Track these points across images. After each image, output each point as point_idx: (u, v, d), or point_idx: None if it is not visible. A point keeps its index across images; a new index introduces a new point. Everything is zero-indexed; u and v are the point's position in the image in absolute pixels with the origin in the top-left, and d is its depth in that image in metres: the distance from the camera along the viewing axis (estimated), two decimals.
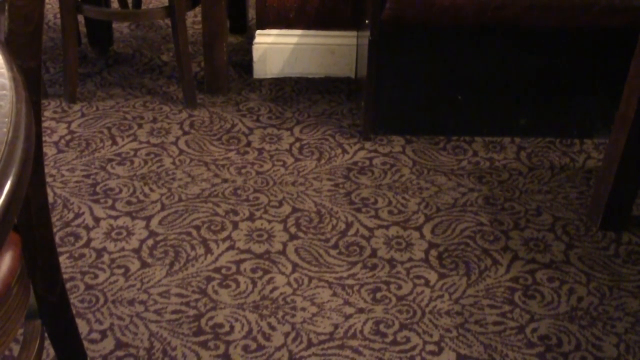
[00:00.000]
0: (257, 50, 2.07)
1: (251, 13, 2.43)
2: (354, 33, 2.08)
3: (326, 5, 2.04)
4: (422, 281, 1.38)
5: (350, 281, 1.38)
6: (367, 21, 1.75)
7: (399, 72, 1.78)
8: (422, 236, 1.50)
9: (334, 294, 1.35)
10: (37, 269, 0.88)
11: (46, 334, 0.95)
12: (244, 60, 2.19)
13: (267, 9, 2.04)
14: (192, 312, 1.31)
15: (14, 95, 0.52)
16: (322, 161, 1.74)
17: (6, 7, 0.73)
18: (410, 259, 1.44)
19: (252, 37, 2.18)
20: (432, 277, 1.39)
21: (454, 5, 1.59)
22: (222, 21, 1.94)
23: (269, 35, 2.07)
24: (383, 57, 1.74)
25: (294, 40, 2.08)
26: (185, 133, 1.84)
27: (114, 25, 2.32)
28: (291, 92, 2.04)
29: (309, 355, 1.22)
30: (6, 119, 0.49)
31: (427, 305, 1.33)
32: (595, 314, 1.32)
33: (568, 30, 1.71)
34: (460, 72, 1.78)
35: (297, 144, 1.80)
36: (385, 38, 1.71)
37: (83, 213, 1.55)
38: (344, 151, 1.78)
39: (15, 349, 1.20)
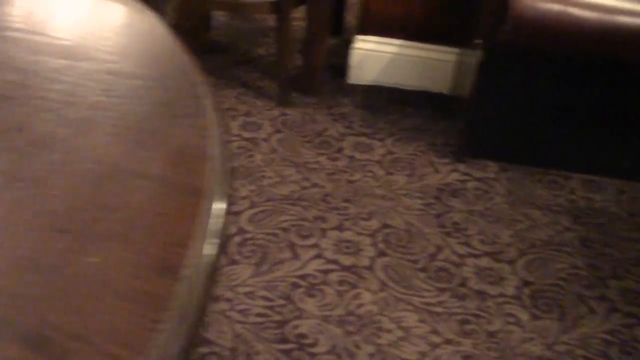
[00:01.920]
0: (355, 55, 2.04)
1: (347, 16, 2.39)
2: (455, 49, 2.03)
3: (430, 18, 2.00)
4: (513, 319, 1.33)
5: (438, 309, 1.34)
6: (477, 41, 1.70)
7: (501, 95, 1.73)
8: (515, 272, 1.45)
9: (422, 320, 1.31)
10: None
11: None
12: (337, 63, 2.16)
13: (370, 14, 2.00)
14: (277, 317, 1.29)
15: (210, 104, 0.50)
16: (414, 178, 1.70)
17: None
18: (501, 294, 1.39)
19: (348, 40, 2.15)
20: (524, 316, 1.34)
21: (581, 35, 1.52)
22: (326, 23, 1.91)
23: (368, 41, 2.04)
24: (487, 79, 1.69)
25: (393, 49, 2.04)
26: (277, 131, 1.82)
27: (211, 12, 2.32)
28: (384, 101, 2.00)
29: None
30: (208, 132, 0.47)
31: (518, 346, 1.28)
32: None
33: None
34: (566, 103, 1.71)
35: (389, 157, 1.76)
36: (494, 60, 1.65)
37: None
38: (436, 170, 1.73)
39: None
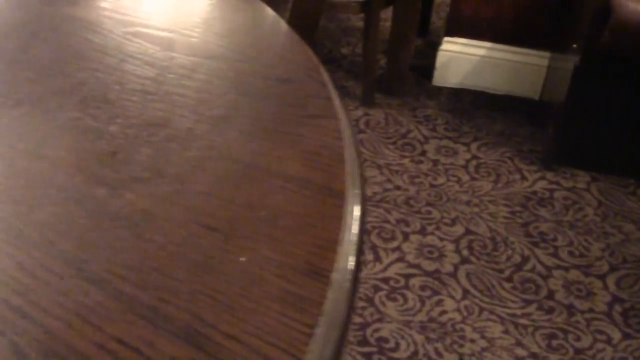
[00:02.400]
0: (442, 57, 2.01)
1: (433, 17, 2.36)
2: (546, 54, 1.97)
3: (521, 21, 1.94)
4: (604, 337, 1.28)
5: (523, 321, 1.30)
6: (574, 45, 1.64)
7: (595, 102, 1.66)
8: (606, 287, 1.39)
9: (506, 331, 1.28)
10: None
11: None
12: (421, 64, 2.13)
13: (459, 16, 1.97)
14: (357, 319, 1.28)
15: (340, 105, 0.50)
16: (499, 184, 1.66)
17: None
18: (591, 310, 1.33)
19: (433, 42, 2.12)
20: (615, 335, 1.29)
21: None
22: (414, 24, 1.89)
23: (456, 43, 2.00)
24: (582, 85, 1.62)
25: (481, 52, 2.00)
26: (360, 131, 1.81)
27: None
28: (470, 105, 1.96)
29: None
30: (342, 133, 0.46)
31: None
32: None
33: None
34: None
35: (474, 162, 1.73)
36: (591, 65, 1.59)
37: None
38: (523, 178, 1.69)
39: None
